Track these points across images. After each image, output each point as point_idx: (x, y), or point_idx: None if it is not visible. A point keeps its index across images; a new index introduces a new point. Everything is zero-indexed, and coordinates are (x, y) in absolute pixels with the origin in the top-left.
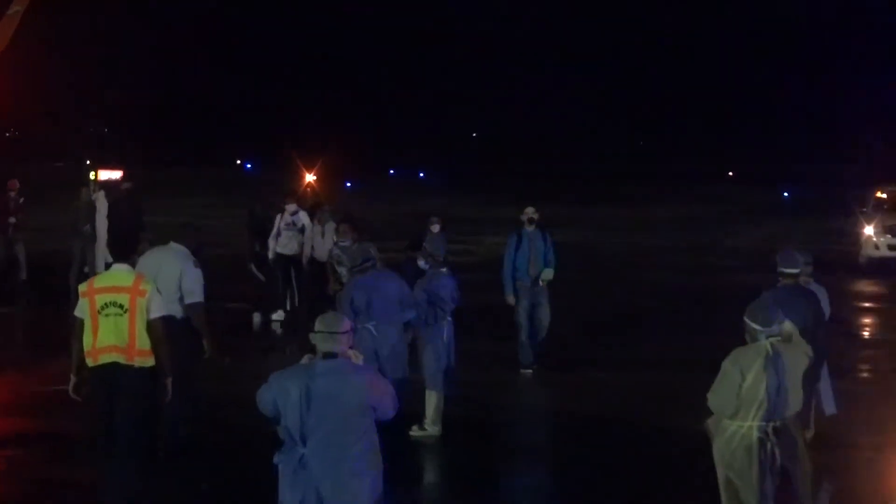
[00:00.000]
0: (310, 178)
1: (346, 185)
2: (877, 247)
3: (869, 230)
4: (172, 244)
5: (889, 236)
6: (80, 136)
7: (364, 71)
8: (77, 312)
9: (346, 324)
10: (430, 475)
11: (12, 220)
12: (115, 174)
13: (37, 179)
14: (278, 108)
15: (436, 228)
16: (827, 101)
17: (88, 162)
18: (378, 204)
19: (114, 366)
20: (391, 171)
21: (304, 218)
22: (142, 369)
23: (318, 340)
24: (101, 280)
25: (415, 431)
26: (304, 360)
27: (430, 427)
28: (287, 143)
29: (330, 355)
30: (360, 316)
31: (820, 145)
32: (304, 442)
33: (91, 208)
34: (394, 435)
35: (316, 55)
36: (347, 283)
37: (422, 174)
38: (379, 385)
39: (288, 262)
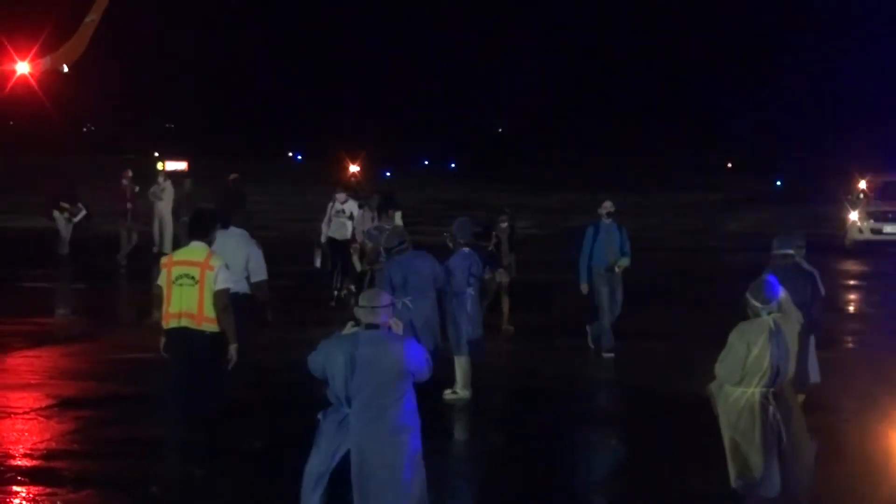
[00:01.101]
0: (353, 168)
1: (384, 174)
2: (861, 231)
3: (854, 216)
4: (233, 228)
5: (871, 221)
6: (148, 132)
7: (402, 70)
8: (158, 281)
9: (386, 298)
10: (459, 433)
11: (129, 205)
12: (180, 165)
13: (109, 171)
14: (324, 103)
15: (504, 223)
16: (817, 99)
17: (157, 154)
18: (412, 191)
19: (184, 330)
20: (425, 162)
21: (352, 206)
22: (208, 334)
23: (361, 313)
24: (178, 254)
25: (448, 395)
26: (347, 328)
27: (461, 391)
28: (332, 137)
29: (371, 326)
30: (397, 292)
31: (811, 139)
32: (349, 403)
33: (191, 198)
34: (429, 397)
35: (358, 56)
36: (385, 263)
37: (452, 164)
38: (415, 352)
39: (338, 246)
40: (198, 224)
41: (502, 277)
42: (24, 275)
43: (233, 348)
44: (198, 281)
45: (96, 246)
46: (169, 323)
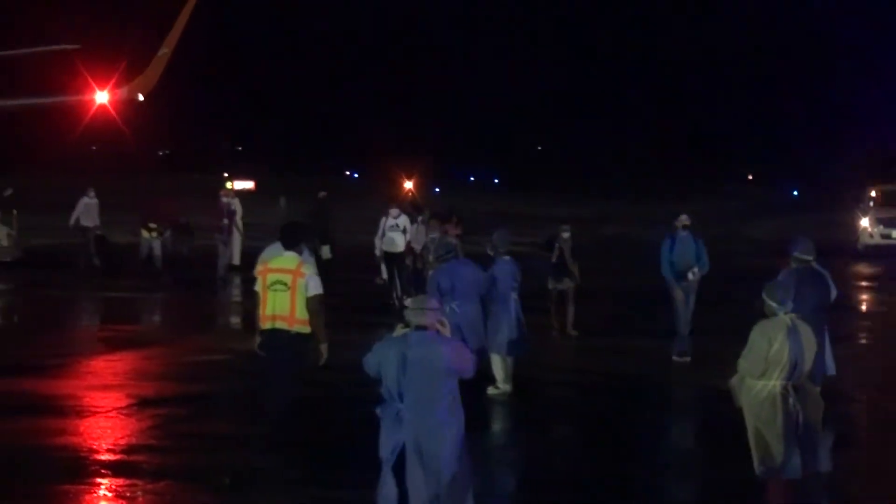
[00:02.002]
0: (408, 184)
1: (435, 189)
2: (871, 236)
3: (865, 222)
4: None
5: (881, 227)
6: (218, 154)
7: (449, 96)
8: (256, 288)
9: (434, 302)
10: (499, 424)
11: (226, 221)
12: (248, 184)
13: (182, 189)
14: (378, 127)
15: (566, 234)
16: (832, 114)
17: (226, 174)
18: (460, 205)
19: (277, 331)
20: (471, 178)
21: (405, 220)
22: (299, 335)
23: (411, 316)
24: (273, 262)
25: (490, 390)
26: (398, 330)
27: (502, 385)
28: (385, 156)
29: (421, 328)
30: (445, 296)
31: (825, 152)
32: (400, 398)
33: (285, 214)
34: (473, 393)
35: (409, 84)
36: (434, 270)
37: (496, 180)
38: (461, 352)
39: (393, 258)
40: (289, 236)
41: (567, 286)
42: (109, 285)
43: (323, 347)
44: (290, 287)
45: (192, 259)
46: (264, 325)
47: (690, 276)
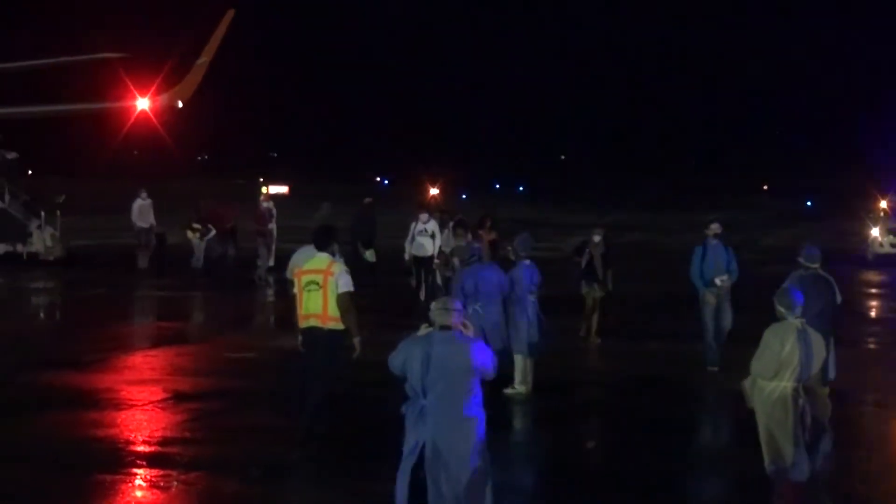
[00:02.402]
0: (434, 191)
1: (461, 196)
2: (881, 245)
3: (875, 232)
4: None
5: (891, 236)
6: (254, 159)
7: (477, 107)
8: (294, 290)
9: (457, 303)
10: (518, 422)
11: (269, 225)
12: (283, 189)
13: (219, 194)
14: (407, 135)
15: (598, 238)
16: (845, 128)
17: (261, 179)
18: (484, 211)
19: (313, 328)
20: (496, 185)
21: (434, 225)
22: (333, 331)
23: (436, 316)
24: (306, 264)
25: (508, 390)
26: (422, 330)
27: (519, 386)
28: (415, 164)
29: (445, 327)
30: (469, 298)
31: (838, 164)
32: (424, 395)
33: (325, 219)
34: (493, 391)
35: (438, 94)
36: (458, 273)
37: (520, 188)
38: (482, 352)
39: (421, 261)
40: (321, 238)
41: (596, 294)
42: (149, 284)
43: (357, 341)
44: (321, 286)
45: (235, 261)
46: (301, 324)
47: (718, 282)
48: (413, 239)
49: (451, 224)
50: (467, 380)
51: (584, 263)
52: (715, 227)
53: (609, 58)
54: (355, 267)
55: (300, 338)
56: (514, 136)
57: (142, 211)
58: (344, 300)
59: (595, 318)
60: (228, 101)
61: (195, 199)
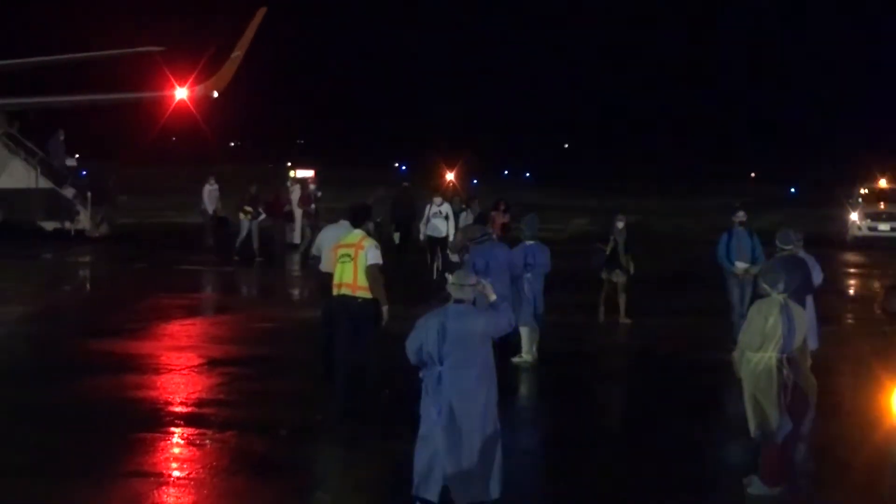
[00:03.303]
0: (449, 176)
1: (473, 182)
2: (859, 228)
3: (854, 216)
4: (342, 221)
5: (869, 221)
6: (283, 146)
7: (488, 98)
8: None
9: (472, 278)
10: (525, 388)
11: (312, 206)
12: (309, 173)
13: (251, 177)
14: (424, 124)
15: (621, 224)
16: (825, 120)
17: (289, 164)
18: (496, 196)
19: (344, 296)
20: (505, 172)
21: (447, 208)
22: (363, 300)
23: (452, 290)
24: (342, 239)
25: (515, 359)
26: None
27: (526, 355)
28: (430, 151)
29: (459, 301)
30: (479, 275)
31: (821, 154)
32: (441, 362)
33: (381, 200)
34: (502, 360)
35: (453, 87)
36: (470, 251)
37: (527, 174)
38: (494, 319)
39: (436, 242)
40: (356, 215)
41: (619, 278)
42: (191, 260)
43: (384, 309)
44: (353, 258)
45: (282, 241)
46: (334, 292)
47: (741, 268)
48: (428, 221)
49: (468, 210)
50: (480, 348)
51: (608, 249)
52: (741, 216)
53: (607, 54)
54: (387, 247)
55: (330, 303)
56: (520, 126)
57: (210, 196)
58: (372, 271)
59: (623, 300)
60: (259, 91)
61: (246, 184)
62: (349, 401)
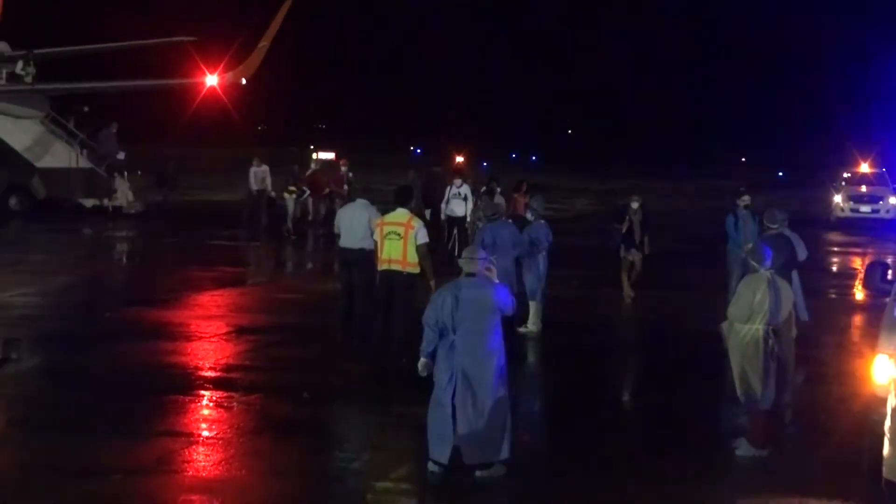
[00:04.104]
0: (459, 159)
1: (483, 164)
2: (842, 210)
3: (837, 198)
4: (359, 200)
5: (851, 202)
6: (306, 130)
7: (496, 84)
8: (374, 237)
9: (482, 253)
10: (532, 356)
11: (346, 187)
12: (330, 155)
13: (276, 158)
14: (438, 109)
15: (636, 204)
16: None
17: (312, 147)
18: (503, 178)
19: (391, 271)
20: (513, 155)
21: (466, 189)
22: (410, 274)
23: (463, 264)
24: (388, 217)
25: (522, 328)
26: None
27: (531, 325)
28: (444, 135)
29: (470, 274)
30: (488, 250)
31: (806, 139)
32: (454, 331)
33: (414, 182)
34: (510, 329)
35: (464, 74)
36: (481, 228)
37: (534, 157)
38: (503, 294)
39: (454, 221)
40: (401, 196)
41: (635, 256)
42: (220, 235)
43: (432, 283)
44: (402, 237)
45: (321, 219)
46: (381, 266)
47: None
48: (448, 201)
49: (490, 189)
50: (490, 318)
51: (624, 229)
52: (746, 199)
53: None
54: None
55: (378, 276)
56: (528, 112)
57: (256, 176)
58: (423, 249)
59: (635, 276)
60: (285, 78)
61: (291, 166)
62: (374, 365)
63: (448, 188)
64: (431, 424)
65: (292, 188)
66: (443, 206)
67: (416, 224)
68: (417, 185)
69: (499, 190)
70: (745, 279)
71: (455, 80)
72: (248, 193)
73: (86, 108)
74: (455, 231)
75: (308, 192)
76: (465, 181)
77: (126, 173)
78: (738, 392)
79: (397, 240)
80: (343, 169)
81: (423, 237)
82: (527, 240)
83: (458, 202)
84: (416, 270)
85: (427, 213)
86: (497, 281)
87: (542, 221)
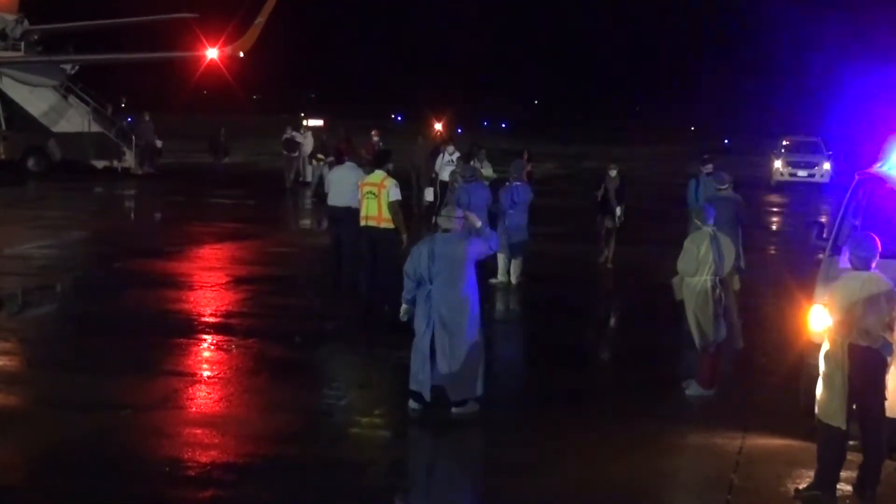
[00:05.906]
0: (438, 126)
1: (458, 130)
2: (781, 174)
3: (777, 164)
4: (347, 162)
5: (790, 168)
6: (297, 99)
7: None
8: (358, 196)
9: (459, 211)
10: (500, 305)
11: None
12: (319, 122)
13: (269, 127)
14: (416, 79)
15: (613, 172)
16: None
17: (302, 114)
18: (480, 143)
19: (369, 227)
20: (485, 122)
21: (458, 156)
22: (385, 229)
23: (442, 221)
24: (367, 178)
25: (492, 280)
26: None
27: (501, 277)
28: (422, 103)
29: (446, 230)
30: (463, 208)
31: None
32: (431, 281)
33: (424, 152)
34: (482, 281)
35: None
36: (459, 188)
37: (503, 125)
38: (475, 246)
39: (445, 186)
40: (379, 159)
41: (609, 223)
42: (228, 195)
43: (404, 237)
44: (377, 195)
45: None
46: (361, 222)
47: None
48: (442, 168)
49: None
50: (463, 268)
51: (599, 196)
52: (709, 167)
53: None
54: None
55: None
56: (497, 83)
57: (289, 143)
58: (394, 206)
59: (611, 246)
60: (278, 51)
61: (319, 134)
62: (360, 311)
63: (441, 155)
64: (412, 366)
65: (321, 155)
66: (437, 171)
67: (389, 183)
68: (426, 152)
69: (483, 153)
70: (691, 236)
71: (436, 53)
72: (289, 159)
73: (123, 100)
74: (443, 194)
75: (334, 158)
76: (456, 148)
77: (134, 139)
78: (695, 339)
79: (373, 198)
80: (375, 139)
81: (395, 195)
82: (504, 200)
83: (450, 167)
84: (391, 226)
85: (429, 191)
86: (478, 224)
87: (518, 183)
